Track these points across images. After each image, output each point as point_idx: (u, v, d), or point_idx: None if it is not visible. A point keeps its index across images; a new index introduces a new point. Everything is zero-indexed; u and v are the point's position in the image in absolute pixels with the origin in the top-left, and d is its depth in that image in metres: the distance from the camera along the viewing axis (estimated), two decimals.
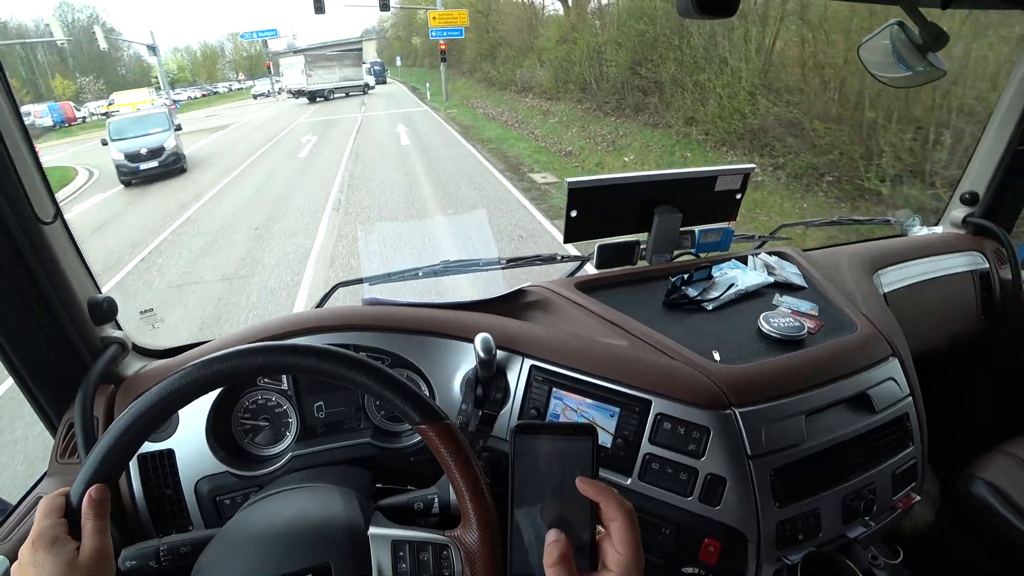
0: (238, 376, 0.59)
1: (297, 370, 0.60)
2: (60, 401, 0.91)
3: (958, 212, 1.58)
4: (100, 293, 0.95)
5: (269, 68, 39.33)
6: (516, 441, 0.50)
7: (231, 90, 59.45)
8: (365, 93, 30.96)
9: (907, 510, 0.99)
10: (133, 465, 0.86)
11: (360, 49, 33.86)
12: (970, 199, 1.54)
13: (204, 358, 0.58)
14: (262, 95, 40.27)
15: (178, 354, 1.04)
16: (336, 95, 29.49)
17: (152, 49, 24.94)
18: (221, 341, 0.98)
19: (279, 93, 37.58)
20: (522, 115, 15.41)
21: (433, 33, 20.45)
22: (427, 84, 26.00)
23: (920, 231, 1.63)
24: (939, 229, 1.63)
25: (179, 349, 1.08)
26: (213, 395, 0.88)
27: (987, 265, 1.50)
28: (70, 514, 0.55)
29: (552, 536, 0.49)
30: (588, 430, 0.51)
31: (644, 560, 0.49)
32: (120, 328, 1.01)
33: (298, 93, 29.51)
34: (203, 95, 54.37)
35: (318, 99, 28.82)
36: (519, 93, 18.28)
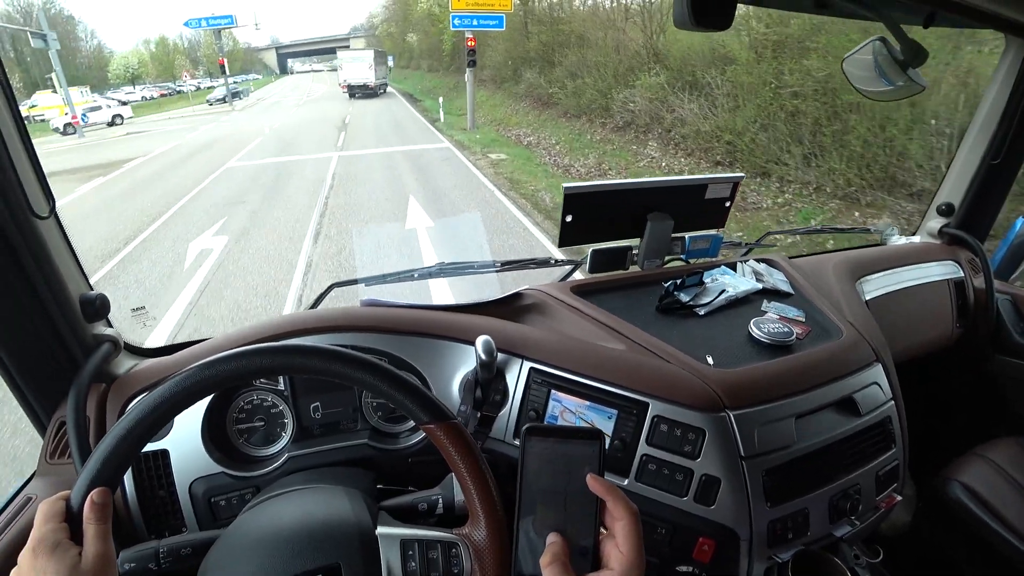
0: (243, 378, 0.59)
1: (304, 371, 0.60)
2: (50, 399, 0.89)
3: (934, 223, 1.64)
4: (92, 290, 0.94)
5: (223, 67, 30.16)
6: (527, 442, 0.52)
7: (200, 88, 52.86)
8: (384, 92, 30.60)
9: (889, 510, 1.03)
10: None
11: (382, 50, 33.91)
12: (946, 210, 1.60)
13: (208, 359, 0.58)
14: (220, 101, 32.27)
15: (171, 353, 1.02)
16: (380, 92, 29.79)
17: (42, 38, 16.65)
18: (217, 341, 0.97)
19: (235, 98, 33.36)
20: None
21: (456, 22, 13.17)
22: (439, 100, 17.31)
23: (899, 240, 1.68)
24: (916, 239, 1.68)
25: (171, 348, 1.06)
26: (209, 395, 0.88)
27: (962, 274, 1.55)
28: (71, 519, 0.53)
29: (551, 538, 0.51)
30: (596, 434, 0.52)
31: (645, 561, 0.50)
32: (111, 326, 0.99)
33: (362, 88, 28.79)
34: (163, 95, 47.55)
35: (356, 95, 28.72)
36: (619, 132, 10.59)
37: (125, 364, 0.98)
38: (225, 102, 31.60)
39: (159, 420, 0.57)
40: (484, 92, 19.75)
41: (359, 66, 28.68)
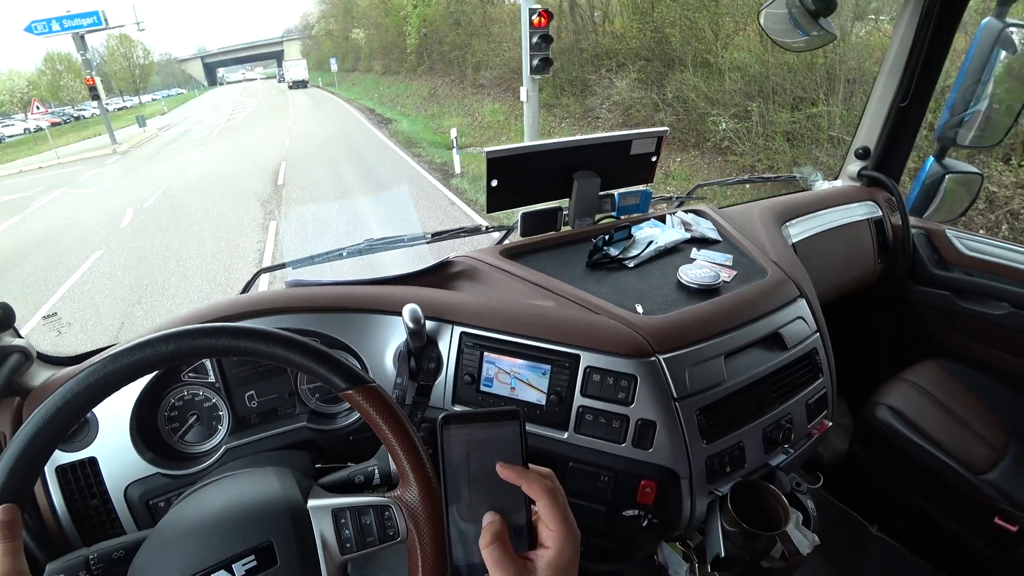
0: (150, 367, 0.56)
1: (212, 353, 0.58)
2: None
3: (853, 166, 1.71)
4: None
5: (92, 87, 19.66)
6: (443, 432, 0.51)
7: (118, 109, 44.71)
8: (305, 87, 44.06)
9: (822, 436, 1.07)
10: (52, 479, 0.81)
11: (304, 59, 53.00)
12: (863, 154, 1.67)
13: (110, 352, 0.55)
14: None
15: (89, 358, 0.97)
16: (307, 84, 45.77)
17: None
18: (135, 337, 0.92)
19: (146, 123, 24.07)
20: None
21: None
22: (453, 133, 9.36)
23: (822, 185, 1.75)
24: (838, 182, 1.76)
25: (91, 354, 1.01)
26: (134, 395, 0.84)
27: (880, 213, 1.63)
28: None
29: (488, 518, 0.50)
30: (513, 414, 0.51)
31: (578, 532, 0.50)
32: (20, 336, 0.93)
33: (301, 83, 44.81)
34: (54, 124, 35.86)
35: (293, 88, 44.24)
36: None
37: (41, 375, 0.93)
38: None
39: (64, 424, 0.53)
40: (490, 104, 13.97)
41: (299, 69, 46.46)
